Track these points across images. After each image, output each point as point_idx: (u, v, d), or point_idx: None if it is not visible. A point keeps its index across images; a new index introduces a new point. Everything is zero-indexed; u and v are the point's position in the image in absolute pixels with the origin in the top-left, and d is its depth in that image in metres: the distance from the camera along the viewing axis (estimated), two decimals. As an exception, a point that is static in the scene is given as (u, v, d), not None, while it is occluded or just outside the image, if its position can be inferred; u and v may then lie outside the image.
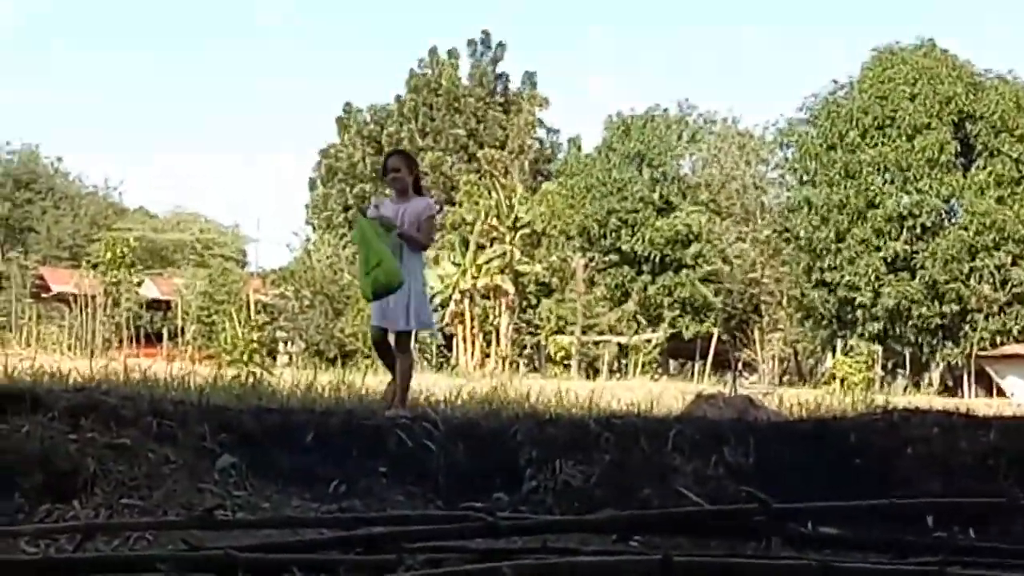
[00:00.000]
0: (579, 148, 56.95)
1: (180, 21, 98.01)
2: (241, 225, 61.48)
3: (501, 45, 58.74)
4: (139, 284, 46.25)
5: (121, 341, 35.11)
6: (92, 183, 62.90)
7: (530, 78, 58.44)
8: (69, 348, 29.70)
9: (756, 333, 47.55)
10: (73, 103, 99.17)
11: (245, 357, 24.87)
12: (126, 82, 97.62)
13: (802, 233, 46.50)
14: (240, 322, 31.84)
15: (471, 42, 59.00)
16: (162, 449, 7.53)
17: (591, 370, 39.68)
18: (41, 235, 56.24)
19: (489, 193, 46.02)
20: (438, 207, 23.07)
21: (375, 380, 13.50)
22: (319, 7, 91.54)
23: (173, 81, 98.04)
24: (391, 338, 9.77)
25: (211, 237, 62.24)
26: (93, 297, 38.08)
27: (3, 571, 4.86)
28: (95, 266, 45.67)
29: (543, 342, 45.18)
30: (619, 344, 44.25)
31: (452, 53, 58.46)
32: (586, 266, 47.12)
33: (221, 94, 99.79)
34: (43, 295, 47.69)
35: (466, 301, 42.55)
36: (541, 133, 59.27)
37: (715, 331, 44.72)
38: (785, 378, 41.94)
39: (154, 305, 46.86)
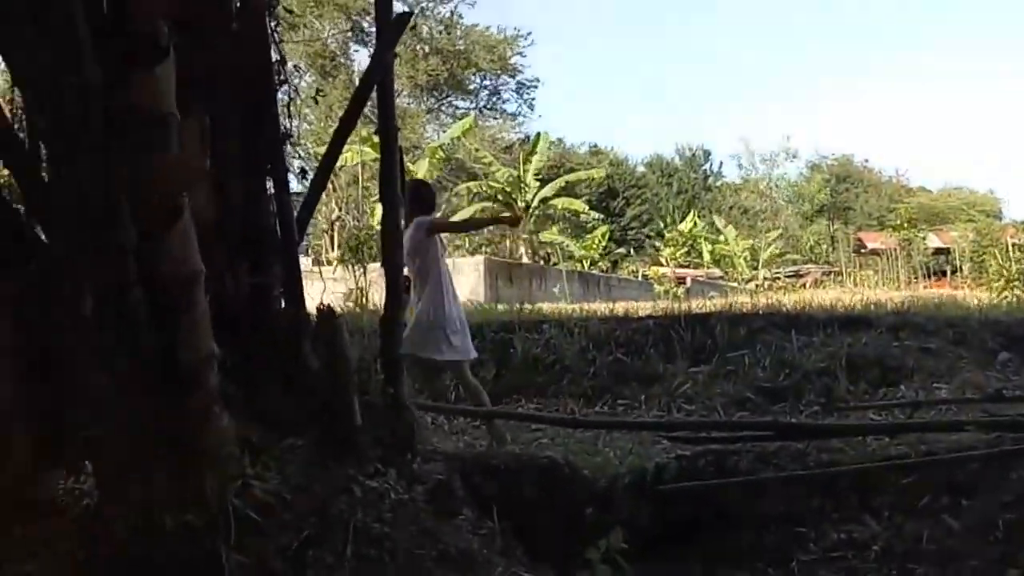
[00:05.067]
0: None
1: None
2: (995, 190, 55.32)
3: None
4: (924, 238, 44.18)
5: (916, 278, 33.77)
6: (888, 173, 60.95)
7: None
8: (882, 285, 29.25)
9: None
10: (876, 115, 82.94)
11: (1009, 284, 22.54)
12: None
13: None
14: (1002, 259, 29.03)
15: None
16: (957, 350, 7.40)
17: None
18: (856, 211, 56.18)
19: None
20: None
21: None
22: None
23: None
24: None
25: (972, 201, 57.31)
26: (894, 250, 37.14)
27: (862, 431, 5.03)
28: (894, 228, 44.62)
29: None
30: None
31: None
32: None
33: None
34: (861, 251, 47.44)
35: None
36: None
37: None
38: None
39: (938, 252, 44.37)
